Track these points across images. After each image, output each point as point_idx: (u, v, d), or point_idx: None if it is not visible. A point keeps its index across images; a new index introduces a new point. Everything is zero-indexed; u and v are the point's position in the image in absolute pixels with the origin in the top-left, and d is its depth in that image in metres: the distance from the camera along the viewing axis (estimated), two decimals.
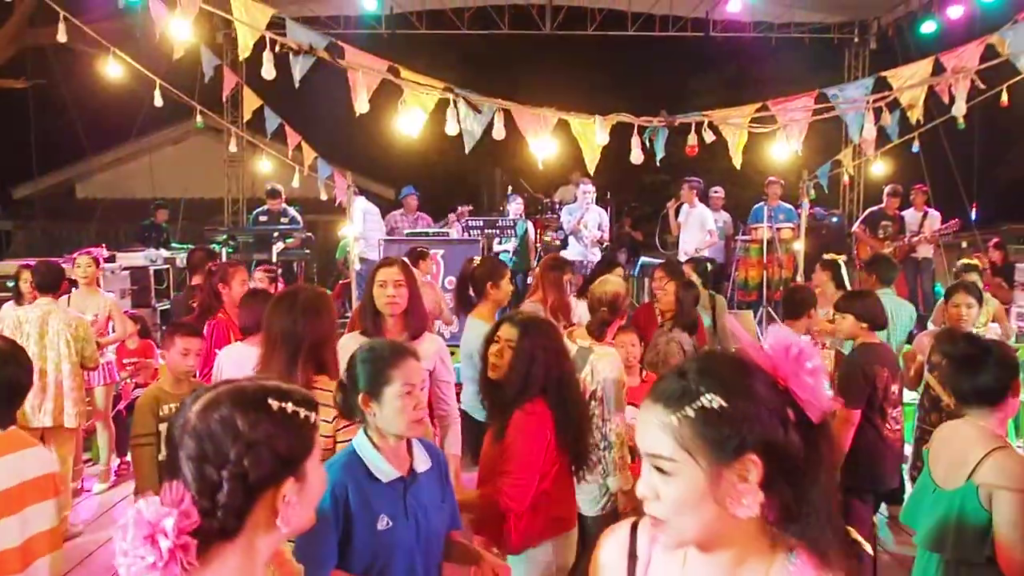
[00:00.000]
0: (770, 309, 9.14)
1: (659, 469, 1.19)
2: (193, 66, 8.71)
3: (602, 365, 3.59)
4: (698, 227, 9.50)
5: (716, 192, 10.53)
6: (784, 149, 5.47)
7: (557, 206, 10.32)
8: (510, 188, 10.60)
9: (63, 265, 5.65)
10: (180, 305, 6.09)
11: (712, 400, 1.17)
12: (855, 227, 9.75)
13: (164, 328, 6.35)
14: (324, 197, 8.11)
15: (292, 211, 9.74)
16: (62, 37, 5.94)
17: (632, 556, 1.37)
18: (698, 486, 1.17)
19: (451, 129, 5.14)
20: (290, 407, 1.29)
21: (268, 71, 4.91)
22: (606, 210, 10.05)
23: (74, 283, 6.14)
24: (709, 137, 5.36)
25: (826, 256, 5.98)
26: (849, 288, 5.55)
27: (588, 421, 3.34)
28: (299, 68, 4.94)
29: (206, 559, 1.21)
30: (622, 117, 5.25)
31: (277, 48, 4.88)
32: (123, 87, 12.23)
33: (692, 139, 5.37)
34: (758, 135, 5.57)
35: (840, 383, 4.07)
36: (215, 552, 1.22)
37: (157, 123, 15.11)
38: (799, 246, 8.39)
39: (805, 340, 1.25)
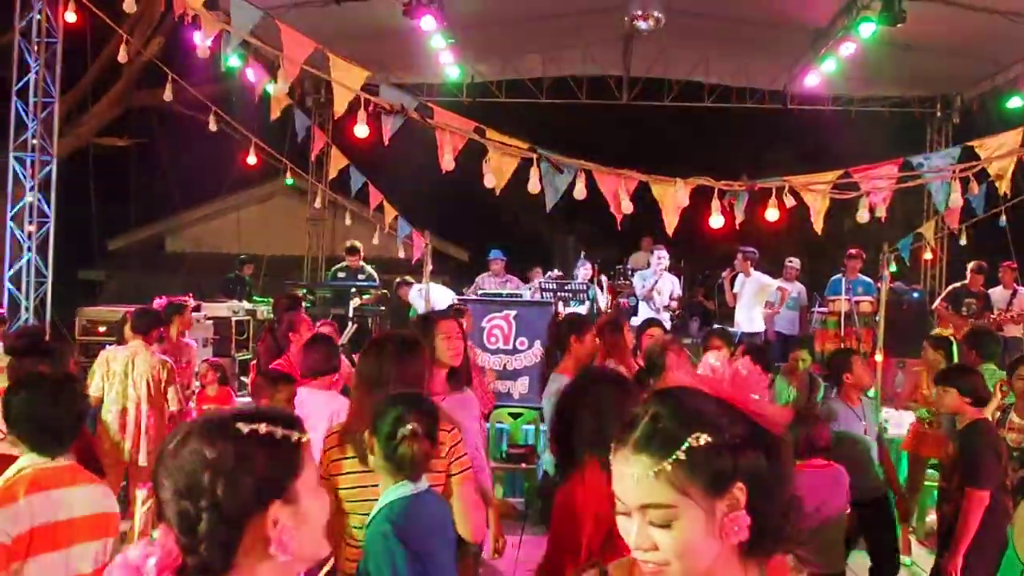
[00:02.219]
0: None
1: (653, 523, 1.18)
2: (283, 128, 9.16)
3: None
4: (752, 296, 9.40)
5: (791, 263, 10.41)
6: (866, 218, 5.42)
7: (630, 272, 10.33)
8: (582, 253, 10.68)
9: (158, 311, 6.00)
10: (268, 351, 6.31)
11: (699, 438, 1.17)
12: (937, 303, 9.47)
13: (256, 375, 6.59)
14: (402, 255, 8.31)
15: (369, 268, 10.00)
16: (168, 96, 6.35)
17: None
18: (701, 526, 1.18)
19: (533, 187, 5.27)
20: (263, 428, 1.22)
21: (361, 130, 5.15)
22: (679, 278, 10.02)
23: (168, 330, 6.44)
24: (790, 202, 5.35)
25: (935, 333, 5.82)
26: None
27: None
28: (390, 126, 5.17)
29: None
30: (703, 181, 5.29)
31: (370, 108, 5.12)
32: (215, 147, 12.88)
33: (773, 204, 5.37)
34: (839, 205, 5.53)
35: (968, 462, 3.85)
36: None
37: (245, 182, 15.83)
38: (879, 320, 8.19)
39: (740, 363, 1.29)
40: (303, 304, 7.60)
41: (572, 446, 2.68)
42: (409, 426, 2.33)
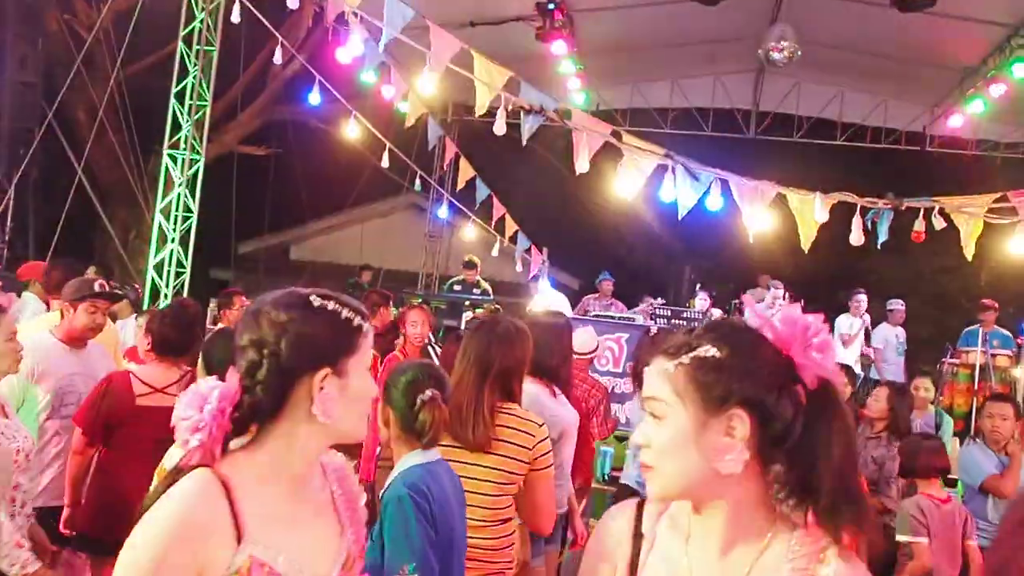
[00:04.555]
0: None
1: (653, 414, 1.25)
2: (412, 141, 9.48)
3: None
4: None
5: (898, 305, 9.86)
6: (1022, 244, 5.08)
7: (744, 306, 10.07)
8: (698, 285, 10.50)
9: None
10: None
11: (708, 351, 1.22)
12: None
13: None
14: (519, 268, 8.41)
15: (485, 283, 10.13)
16: (315, 100, 6.65)
17: (637, 535, 1.35)
18: (684, 431, 1.21)
19: (667, 195, 5.24)
20: (331, 304, 1.39)
21: (499, 127, 5.27)
22: None
23: None
24: (939, 224, 5.09)
25: None
26: None
27: None
28: (528, 127, 5.26)
29: (252, 436, 1.37)
30: (844, 196, 5.12)
31: (510, 107, 5.23)
32: (344, 162, 13.43)
33: (919, 224, 5.13)
34: (992, 231, 5.20)
35: None
36: (260, 431, 1.37)
37: (368, 197, 16.42)
38: (1018, 373, 7.68)
39: (813, 318, 1.26)
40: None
41: None
42: (428, 392, 2.29)
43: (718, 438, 1.20)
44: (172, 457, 2.44)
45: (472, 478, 2.63)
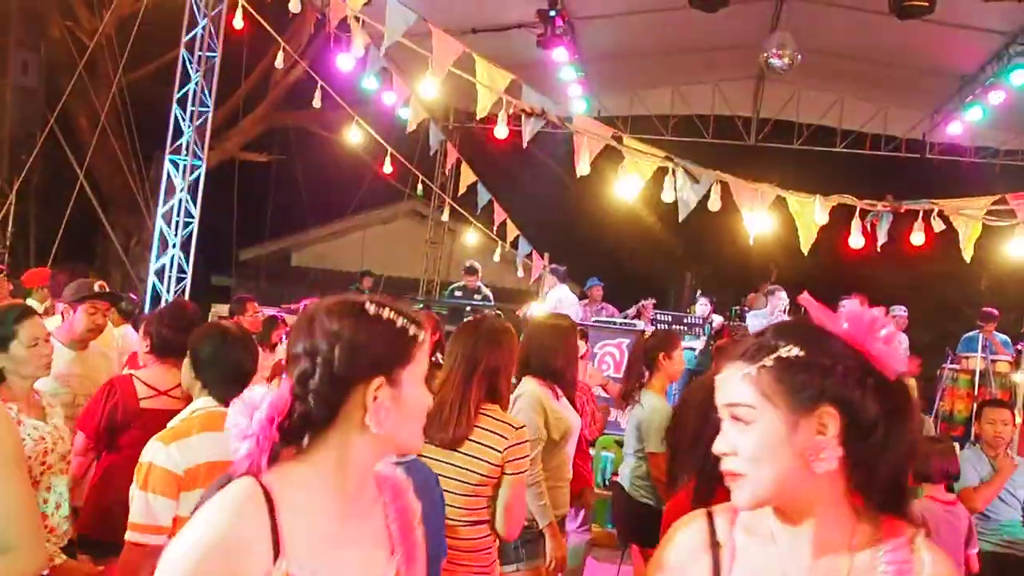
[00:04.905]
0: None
1: (737, 419, 1.23)
2: (413, 148, 9.50)
3: None
4: None
5: (901, 312, 9.84)
6: (1020, 246, 5.09)
7: (746, 312, 10.08)
8: (699, 291, 10.52)
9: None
10: None
11: (790, 351, 1.22)
12: None
13: None
14: (520, 274, 8.42)
15: (486, 289, 10.14)
16: (317, 103, 6.68)
17: (714, 545, 1.31)
18: (777, 433, 1.20)
19: (667, 197, 5.25)
20: (387, 313, 1.34)
21: (501, 130, 5.29)
22: None
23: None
24: (939, 226, 5.10)
25: None
26: None
27: None
28: (529, 130, 5.29)
29: (303, 446, 1.32)
30: (844, 199, 5.13)
31: (511, 110, 5.25)
32: (345, 169, 13.45)
33: (919, 229, 5.13)
34: (990, 234, 5.21)
35: None
36: (311, 441, 1.32)
37: (370, 204, 16.46)
38: (1018, 379, 7.68)
39: (877, 311, 1.27)
40: None
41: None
42: None
43: (811, 437, 1.19)
44: (148, 453, 2.45)
45: (440, 475, 2.65)
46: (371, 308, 1.35)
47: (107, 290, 3.89)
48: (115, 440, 3.35)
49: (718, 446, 1.25)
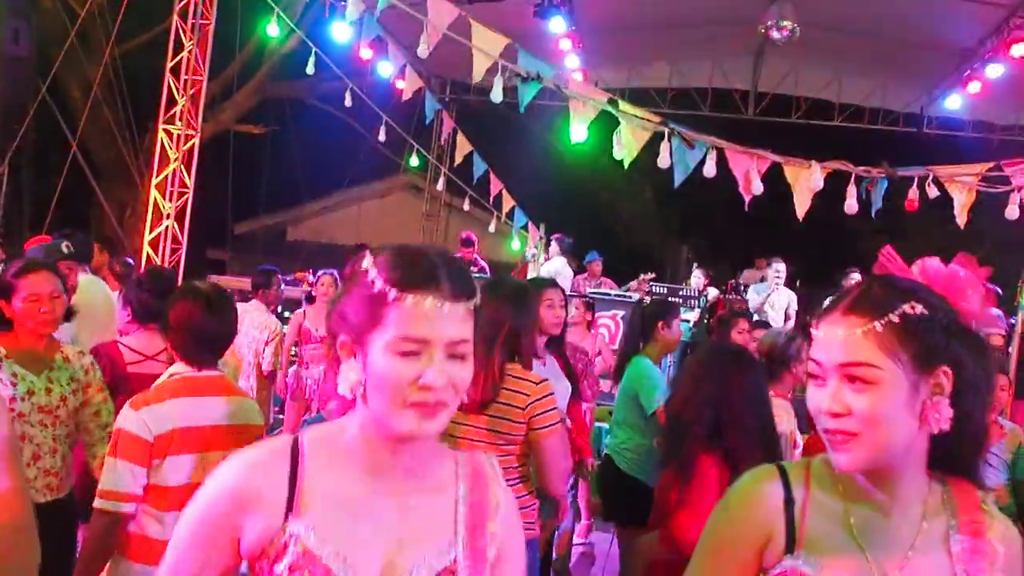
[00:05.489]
0: None
1: (855, 379, 1.15)
2: (409, 120, 9.44)
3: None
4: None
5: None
6: (1015, 214, 5.08)
7: (743, 288, 10.07)
8: (695, 264, 10.52)
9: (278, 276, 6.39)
10: None
11: (915, 307, 1.16)
12: None
13: None
14: (516, 244, 8.41)
15: (482, 261, 10.13)
16: (310, 69, 6.62)
17: (789, 501, 1.26)
18: (900, 395, 1.15)
19: (663, 163, 5.22)
20: (372, 272, 1.19)
21: (497, 94, 5.25)
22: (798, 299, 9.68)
23: (312, 299, 6.73)
24: (933, 192, 5.10)
25: None
26: None
27: None
28: (525, 95, 5.25)
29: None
30: (840, 165, 5.11)
31: (507, 74, 5.22)
32: (340, 141, 13.36)
33: (913, 196, 5.12)
34: (987, 201, 5.20)
35: None
36: (361, 402, 1.24)
37: (365, 178, 16.38)
38: (1011, 352, 7.67)
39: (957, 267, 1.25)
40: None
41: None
42: None
43: (930, 398, 1.16)
44: (119, 419, 2.41)
45: (463, 438, 2.64)
46: (367, 261, 1.22)
47: (73, 250, 3.86)
48: None
49: (828, 405, 1.17)
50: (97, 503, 2.31)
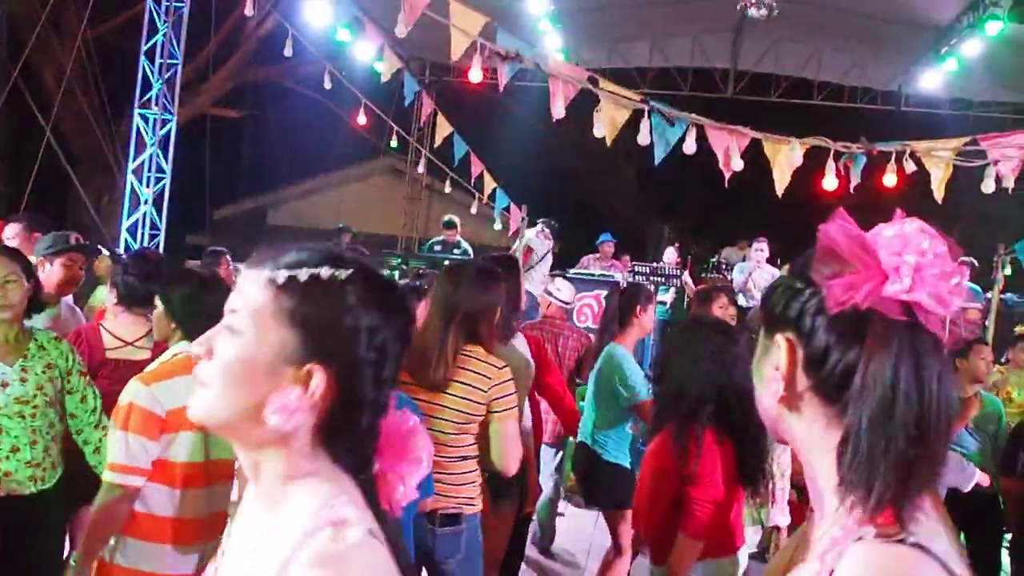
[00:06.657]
0: None
1: None
2: (389, 103, 9.37)
3: None
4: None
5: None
6: (991, 188, 5.13)
7: (724, 266, 10.14)
8: (676, 244, 10.56)
9: None
10: None
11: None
12: None
13: None
14: (498, 226, 8.40)
15: (465, 244, 10.10)
16: (288, 52, 6.55)
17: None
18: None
19: (643, 140, 5.23)
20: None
21: (475, 74, 5.23)
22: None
23: None
24: (910, 167, 5.14)
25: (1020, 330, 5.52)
26: None
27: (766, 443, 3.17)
28: (505, 73, 5.23)
29: None
30: (818, 141, 5.14)
31: (486, 54, 5.19)
32: (320, 125, 13.23)
33: (892, 170, 5.16)
34: (964, 175, 5.25)
35: None
36: None
37: (346, 161, 16.28)
38: (988, 326, 7.80)
39: None
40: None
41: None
42: None
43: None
44: (128, 393, 2.41)
45: (428, 416, 2.71)
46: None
47: (83, 242, 3.82)
48: None
49: None
50: (109, 476, 2.31)
